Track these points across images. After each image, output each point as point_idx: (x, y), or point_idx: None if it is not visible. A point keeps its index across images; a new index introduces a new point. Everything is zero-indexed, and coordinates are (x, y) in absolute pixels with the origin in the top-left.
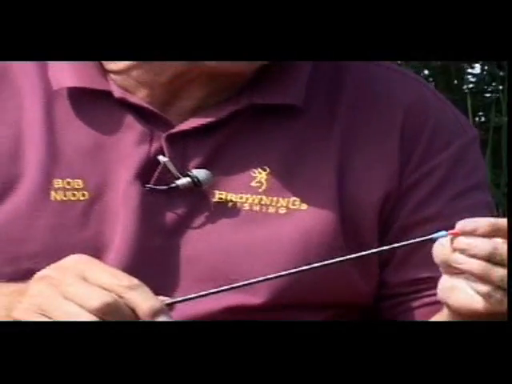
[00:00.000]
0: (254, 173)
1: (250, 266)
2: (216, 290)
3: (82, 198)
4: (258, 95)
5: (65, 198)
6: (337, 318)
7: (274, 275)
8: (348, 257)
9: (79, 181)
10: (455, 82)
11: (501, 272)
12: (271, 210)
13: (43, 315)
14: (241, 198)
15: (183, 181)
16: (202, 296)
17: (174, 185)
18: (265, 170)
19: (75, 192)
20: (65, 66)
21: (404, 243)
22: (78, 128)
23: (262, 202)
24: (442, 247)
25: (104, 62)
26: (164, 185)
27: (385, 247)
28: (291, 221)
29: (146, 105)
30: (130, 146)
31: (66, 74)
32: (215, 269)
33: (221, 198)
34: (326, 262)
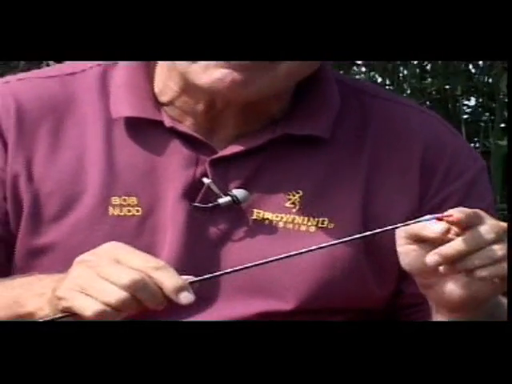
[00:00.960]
0: (289, 195)
1: (282, 277)
2: (230, 270)
3: (136, 214)
4: (292, 126)
5: (121, 214)
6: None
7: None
8: (333, 242)
9: (134, 198)
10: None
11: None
12: (303, 228)
13: (82, 292)
14: (276, 216)
15: (224, 199)
16: (218, 276)
17: (216, 203)
18: (298, 193)
19: (130, 208)
20: (124, 97)
21: (393, 226)
22: (133, 152)
23: (295, 221)
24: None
25: (157, 95)
26: (207, 203)
27: (369, 232)
28: (320, 238)
29: (192, 133)
30: (178, 169)
31: (124, 104)
32: (252, 278)
33: (258, 216)
34: (304, 250)
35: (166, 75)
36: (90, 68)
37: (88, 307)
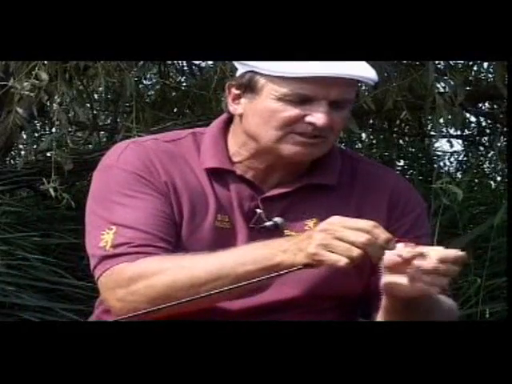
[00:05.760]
0: (307, 221)
1: (297, 275)
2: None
3: (227, 226)
4: (312, 177)
5: (221, 225)
6: (338, 305)
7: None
8: None
9: (226, 217)
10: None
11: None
12: None
13: (328, 250)
14: (298, 234)
15: (269, 223)
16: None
17: (263, 225)
18: (313, 220)
19: (225, 222)
20: (209, 155)
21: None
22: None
23: None
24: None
25: (231, 155)
26: (259, 225)
27: None
28: None
29: (253, 180)
30: (243, 202)
31: (210, 158)
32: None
33: (287, 234)
34: None
35: (240, 145)
36: (187, 134)
37: (340, 260)
